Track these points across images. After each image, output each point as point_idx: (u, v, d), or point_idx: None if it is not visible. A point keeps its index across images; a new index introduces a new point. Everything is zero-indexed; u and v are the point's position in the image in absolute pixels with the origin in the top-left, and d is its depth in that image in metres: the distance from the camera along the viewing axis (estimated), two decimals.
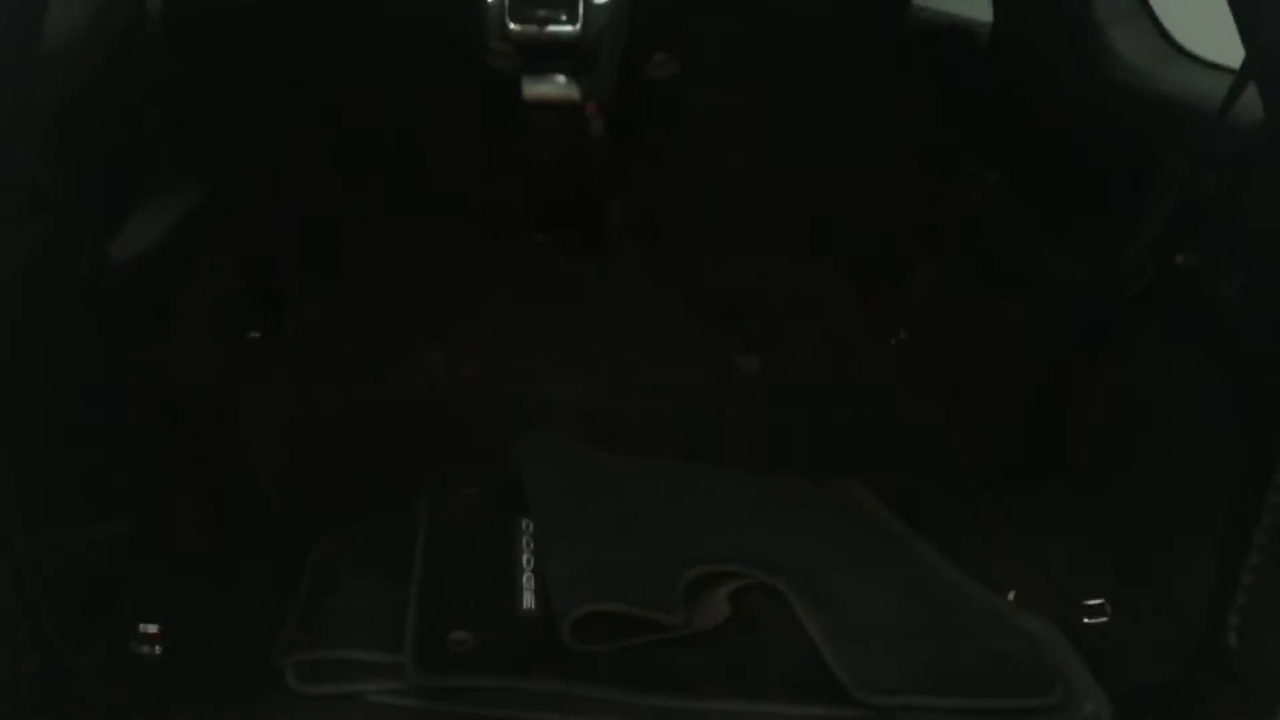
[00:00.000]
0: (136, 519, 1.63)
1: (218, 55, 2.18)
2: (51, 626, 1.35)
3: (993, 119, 2.31)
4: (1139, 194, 1.80)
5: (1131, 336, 1.81)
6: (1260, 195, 1.53)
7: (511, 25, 3.77)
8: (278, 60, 2.21)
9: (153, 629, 1.53)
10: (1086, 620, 1.68)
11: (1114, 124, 1.96)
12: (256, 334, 2.25)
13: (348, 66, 2.27)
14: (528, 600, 1.61)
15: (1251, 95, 1.51)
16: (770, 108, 2.42)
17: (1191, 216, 1.69)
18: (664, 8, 2.64)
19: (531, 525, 1.75)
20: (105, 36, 1.83)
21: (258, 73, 2.20)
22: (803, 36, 2.38)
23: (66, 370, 1.48)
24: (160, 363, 1.78)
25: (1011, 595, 1.73)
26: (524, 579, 1.65)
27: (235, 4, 2.47)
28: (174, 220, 1.89)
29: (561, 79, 3.80)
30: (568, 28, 3.84)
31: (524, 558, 1.69)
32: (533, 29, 3.80)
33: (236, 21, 2.31)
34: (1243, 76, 1.57)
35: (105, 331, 1.61)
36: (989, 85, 2.34)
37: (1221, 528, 1.46)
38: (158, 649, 1.52)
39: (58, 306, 1.46)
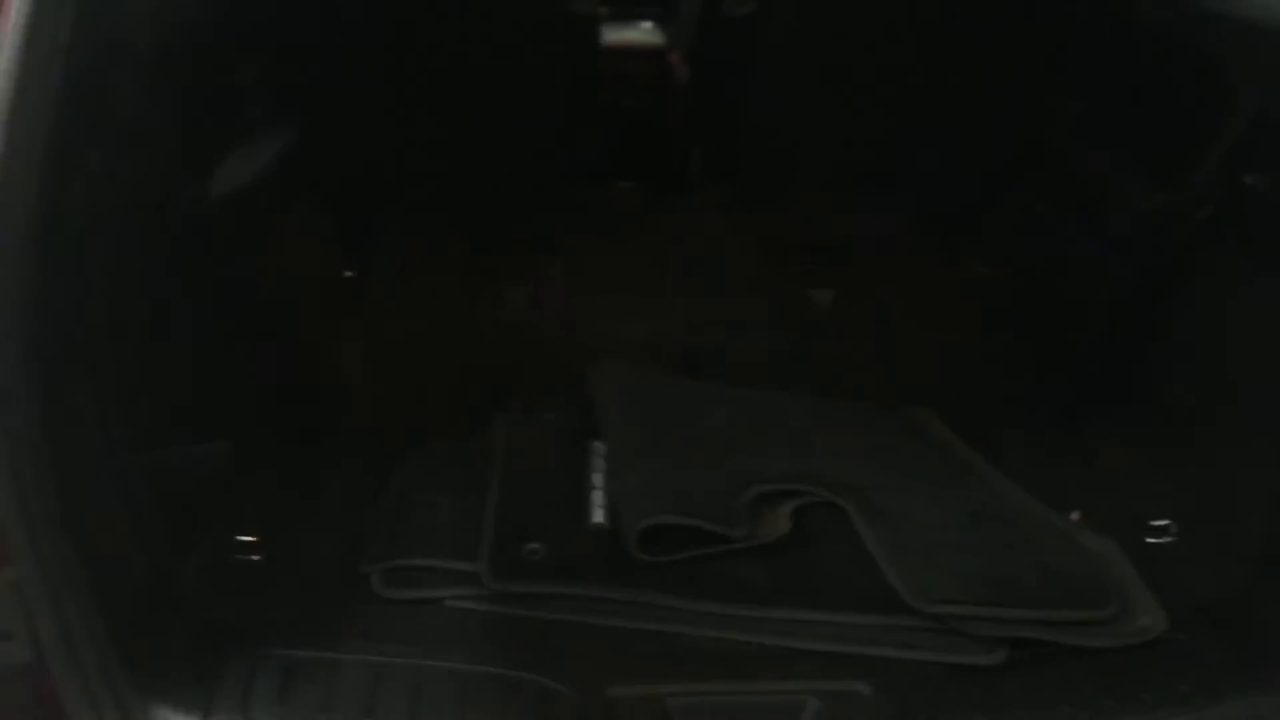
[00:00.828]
0: (237, 439, 1.74)
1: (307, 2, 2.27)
2: (157, 530, 1.48)
3: (1068, 44, 2.29)
4: (1209, 116, 1.79)
5: (1203, 259, 1.80)
6: None
7: None
8: (365, 7, 2.29)
9: (251, 538, 1.64)
10: (1151, 540, 1.70)
11: (1187, 47, 1.93)
12: (350, 273, 2.35)
13: (434, 13, 2.33)
14: (598, 516, 1.70)
15: None
16: (845, 44, 2.42)
17: (1259, 137, 1.67)
18: None
19: (603, 447, 1.84)
20: None
21: (345, 20, 2.28)
22: None
23: (172, 298, 1.59)
24: (258, 293, 1.90)
25: (1076, 515, 1.75)
26: (594, 496, 1.74)
27: None
28: (267, 160, 1.99)
29: (647, 25, 3.83)
30: None
31: (595, 477, 1.77)
32: None
33: None
34: None
35: (206, 262, 1.72)
36: (1064, 15, 2.31)
37: None
38: (255, 556, 1.64)
39: (163, 235, 1.57)
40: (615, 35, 3.40)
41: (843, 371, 2.19)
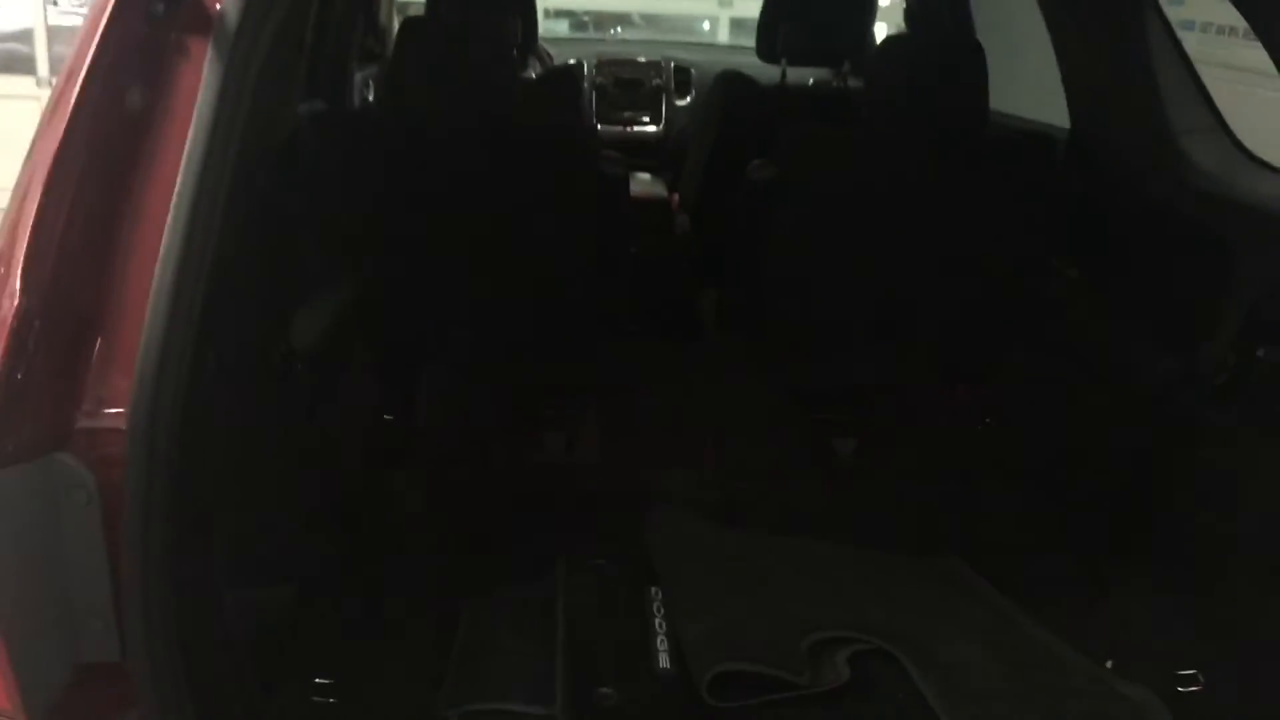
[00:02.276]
0: (308, 582, 1.80)
1: (358, 162, 2.39)
2: (250, 670, 1.52)
3: (1071, 218, 2.46)
4: (1218, 290, 1.95)
5: (1219, 422, 1.93)
6: None
7: (599, 126, 4.02)
8: (409, 167, 2.41)
9: (327, 680, 1.69)
10: (1180, 689, 1.79)
11: (1191, 225, 2.10)
12: (389, 417, 2.43)
13: (473, 171, 2.46)
14: (663, 661, 1.77)
15: None
16: (858, 208, 2.57)
17: (1269, 312, 1.83)
18: (757, 117, 2.84)
19: (660, 593, 1.91)
20: (275, 147, 2.03)
21: (393, 178, 2.40)
22: (890, 142, 2.54)
23: (261, 449, 1.67)
24: (322, 443, 1.97)
25: (1109, 664, 1.85)
26: (658, 642, 1.81)
27: (375, 116, 2.70)
28: (332, 316, 2.08)
29: (646, 176, 4.04)
30: (651, 128, 4.11)
31: (656, 622, 1.85)
32: (617, 129, 4.07)
33: (375, 133, 2.55)
34: None
35: (285, 415, 1.80)
36: (1067, 186, 2.49)
37: None
38: (331, 699, 1.68)
39: (258, 393, 1.65)
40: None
41: (869, 520, 2.28)
